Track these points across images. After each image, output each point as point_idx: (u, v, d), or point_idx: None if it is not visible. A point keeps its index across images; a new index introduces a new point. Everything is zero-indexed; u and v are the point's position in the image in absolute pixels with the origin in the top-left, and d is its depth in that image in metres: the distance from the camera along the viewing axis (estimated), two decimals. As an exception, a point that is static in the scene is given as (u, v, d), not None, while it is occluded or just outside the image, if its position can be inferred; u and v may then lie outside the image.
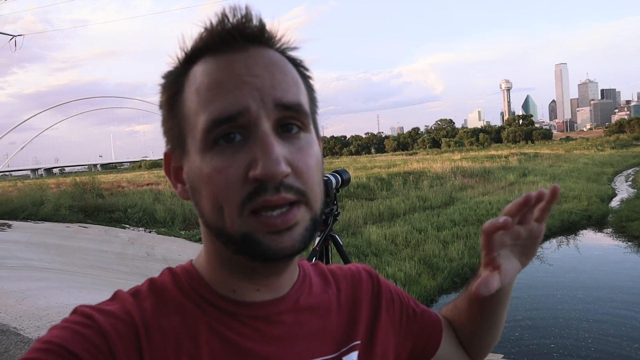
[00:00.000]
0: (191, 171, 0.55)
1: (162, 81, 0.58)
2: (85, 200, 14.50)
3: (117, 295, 0.62)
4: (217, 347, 0.58)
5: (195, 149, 0.54)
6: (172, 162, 0.61)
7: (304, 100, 0.57)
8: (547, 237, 14.35)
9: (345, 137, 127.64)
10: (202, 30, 0.55)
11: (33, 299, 5.41)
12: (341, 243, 2.34)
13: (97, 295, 6.00)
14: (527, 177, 24.84)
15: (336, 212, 2.31)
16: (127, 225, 13.10)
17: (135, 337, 0.56)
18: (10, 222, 12.12)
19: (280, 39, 0.57)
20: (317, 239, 2.25)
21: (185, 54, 0.57)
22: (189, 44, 0.56)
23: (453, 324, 0.85)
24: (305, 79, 0.60)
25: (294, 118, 0.55)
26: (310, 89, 0.60)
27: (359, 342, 0.68)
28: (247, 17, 0.54)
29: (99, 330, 0.55)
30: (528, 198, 0.64)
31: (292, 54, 0.59)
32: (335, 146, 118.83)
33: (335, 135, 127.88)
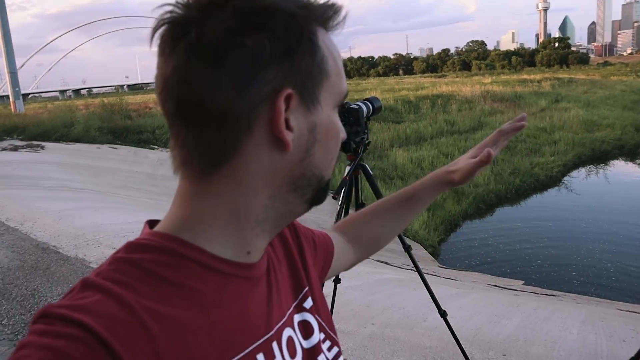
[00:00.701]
0: (323, 123, 0.57)
1: (281, 25, 0.51)
2: (114, 122, 14.68)
3: (91, 284, 0.47)
4: (228, 317, 0.53)
5: (330, 106, 0.59)
6: (285, 103, 0.52)
7: None
8: (576, 166, 14.15)
9: (373, 57, 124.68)
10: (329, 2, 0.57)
11: (69, 218, 5.62)
12: (371, 173, 2.32)
13: (130, 215, 6.20)
14: (560, 104, 24.17)
15: (367, 141, 2.29)
16: (156, 146, 13.31)
17: (146, 340, 0.45)
18: (43, 144, 12.42)
19: None
20: (347, 168, 2.24)
21: (306, 14, 0.53)
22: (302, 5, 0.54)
23: (360, 218, 0.98)
24: None
25: None
26: None
27: (307, 288, 0.71)
28: (345, 14, 0.59)
29: (97, 344, 0.42)
30: (523, 120, 0.92)
31: None
32: (363, 67, 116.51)
33: (362, 56, 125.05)
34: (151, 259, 0.50)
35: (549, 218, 10.21)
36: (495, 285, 5.87)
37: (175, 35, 0.50)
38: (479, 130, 17.58)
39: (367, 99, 2.23)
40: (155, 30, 0.51)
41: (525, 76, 46.19)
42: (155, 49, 0.52)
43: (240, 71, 0.49)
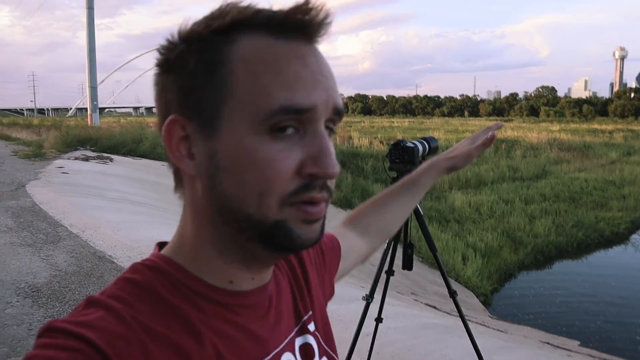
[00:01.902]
0: (228, 151, 0.50)
1: (184, 41, 0.53)
2: (180, 141, 15.19)
3: (95, 302, 0.50)
4: (220, 344, 0.53)
5: (243, 130, 0.50)
6: (182, 130, 0.53)
7: None
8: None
9: (438, 97, 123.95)
10: (250, 3, 0.52)
11: (127, 230, 5.82)
12: (422, 213, 2.29)
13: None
14: (632, 157, 23.06)
15: (420, 182, 2.27)
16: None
17: (143, 354, 0.47)
18: (112, 156, 13.03)
19: (325, 36, 0.55)
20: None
21: (232, 20, 0.51)
22: (235, 12, 0.52)
23: (367, 209, 0.98)
24: None
25: (336, 123, 0.56)
26: None
27: (310, 312, 0.70)
28: (321, 7, 0.52)
29: (96, 356, 0.44)
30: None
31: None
32: (428, 106, 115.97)
33: (428, 95, 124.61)
34: (150, 281, 0.53)
35: (613, 275, 9.65)
36: (548, 343, 5.57)
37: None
38: (543, 178, 17.01)
39: (424, 138, 2.22)
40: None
41: (596, 126, 44.61)
42: None
43: (157, 106, 0.56)
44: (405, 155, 2.13)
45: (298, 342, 0.65)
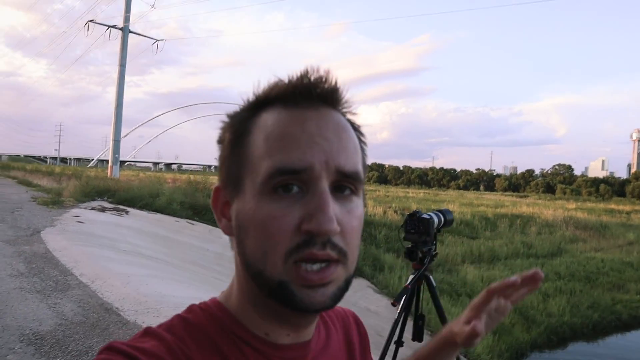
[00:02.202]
0: (243, 211, 0.57)
1: (227, 119, 0.62)
2: (196, 199, 15.33)
3: (150, 332, 0.58)
4: None
5: (252, 191, 0.56)
6: (222, 197, 0.62)
7: (361, 167, 0.60)
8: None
9: (454, 170, 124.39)
10: (278, 80, 0.59)
11: (136, 284, 5.80)
12: (434, 284, 2.27)
13: (193, 290, 6.31)
14: (650, 239, 22.65)
15: (434, 252, 2.26)
16: (230, 228, 13.64)
17: None
18: (128, 209, 13.14)
19: (346, 102, 0.61)
20: (411, 277, 2.21)
21: (257, 98, 0.60)
22: (261, 91, 0.60)
23: None
24: (362, 143, 0.63)
25: (350, 183, 0.58)
26: (364, 154, 0.63)
27: None
28: (326, 77, 0.57)
29: None
30: (516, 282, 0.69)
31: (353, 118, 0.62)
32: (444, 178, 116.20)
33: (444, 167, 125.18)
34: (203, 320, 0.60)
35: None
36: None
37: None
38: (558, 256, 16.71)
39: (440, 210, 2.24)
40: None
41: (613, 206, 44.10)
42: None
43: None
44: (421, 226, 2.15)
45: None
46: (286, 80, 0.58)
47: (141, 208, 13.88)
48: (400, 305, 2.31)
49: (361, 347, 0.78)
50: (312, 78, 0.57)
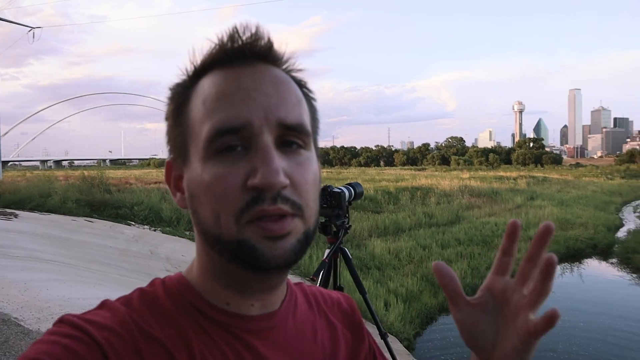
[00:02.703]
0: (192, 179, 0.56)
1: (169, 93, 0.61)
2: (93, 195, 14.54)
3: (106, 305, 0.58)
4: (210, 359, 0.57)
5: (197, 157, 0.55)
6: (173, 170, 0.62)
7: (306, 120, 0.59)
8: (551, 263, 14.21)
9: (355, 148, 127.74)
10: (212, 45, 0.57)
11: (35, 290, 5.41)
12: (350, 257, 2.33)
13: (99, 290, 6.01)
14: (535, 201, 24.70)
15: (347, 225, 2.31)
16: (133, 223, 13.12)
17: (134, 351, 0.53)
18: (17, 212, 12.18)
19: (286, 60, 0.60)
20: (327, 251, 2.24)
21: (195, 67, 0.59)
22: (198, 58, 0.59)
23: None
24: (309, 99, 0.62)
25: (295, 136, 0.57)
26: (312, 109, 0.62)
27: None
28: (258, 35, 0.56)
29: (95, 346, 0.51)
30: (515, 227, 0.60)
31: (297, 75, 0.61)
32: (345, 156, 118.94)
33: (345, 146, 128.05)
34: (159, 294, 0.60)
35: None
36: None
37: None
38: (457, 223, 17.77)
39: (350, 184, 2.28)
40: None
41: (501, 173, 47.56)
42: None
43: None
44: (333, 200, 2.18)
45: None
46: (217, 43, 0.57)
47: (32, 210, 12.92)
48: (319, 280, 2.34)
49: (354, 332, 0.74)
50: (244, 38, 0.56)
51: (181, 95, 0.59)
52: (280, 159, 0.54)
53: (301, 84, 0.61)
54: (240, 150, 0.54)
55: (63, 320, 0.54)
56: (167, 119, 0.61)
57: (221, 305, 0.60)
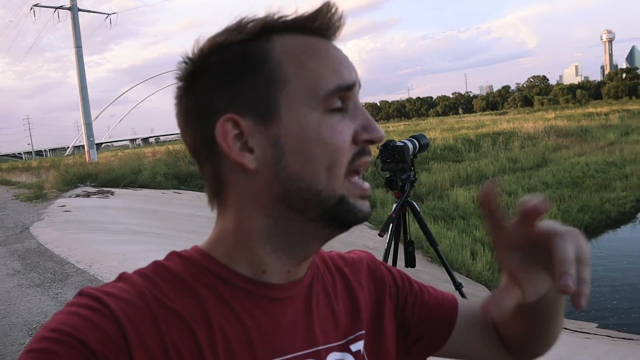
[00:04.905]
0: (295, 132, 0.55)
1: (209, 50, 0.58)
2: (179, 168, 15.21)
3: (124, 277, 0.58)
4: (231, 331, 0.56)
5: (306, 110, 0.55)
6: (235, 129, 0.56)
7: None
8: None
9: (431, 97, 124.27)
10: (284, 10, 0.58)
11: (134, 260, 5.82)
12: (418, 210, 2.30)
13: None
14: (630, 136, 23.07)
15: (413, 179, 2.27)
16: (218, 191, 13.63)
17: (152, 322, 0.53)
18: (113, 190, 13.05)
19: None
20: (394, 206, 2.23)
21: (266, 22, 0.57)
22: (271, 16, 0.58)
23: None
24: None
25: None
26: None
27: (363, 331, 0.68)
28: (340, 13, 0.59)
29: (112, 317, 0.51)
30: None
31: None
32: (422, 107, 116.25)
33: (421, 97, 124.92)
34: (177, 266, 0.59)
35: (624, 256, 9.60)
36: (566, 328, 5.54)
37: (175, 92, 0.62)
38: (544, 166, 16.99)
39: (414, 136, 2.23)
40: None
41: (591, 109, 44.61)
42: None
43: (196, 113, 0.59)
44: (396, 155, 2.15)
45: (333, 356, 0.64)
46: (307, 11, 0.58)
47: (125, 187, 13.79)
48: (388, 234, 2.34)
49: (377, 288, 0.73)
50: (328, 11, 0.58)
51: (254, 50, 0.57)
52: None
53: None
54: (340, 107, 0.57)
55: (82, 293, 0.55)
56: (227, 74, 0.56)
57: (251, 275, 0.60)
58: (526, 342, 0.72)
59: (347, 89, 0.57)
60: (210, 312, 0.56)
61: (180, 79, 0.60)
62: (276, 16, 0.57)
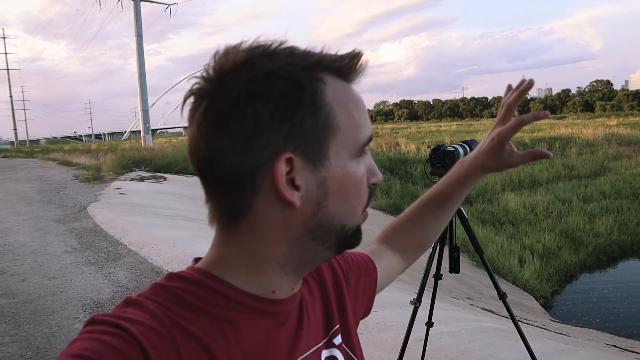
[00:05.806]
0: (335, 177, 0.58)
1: (287, 81, 0.56)
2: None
3: (132, 301, 0.56)
4: (247, 346, 0.58)
5: (345, 157, 0.59)
6: (286, 166, 0.55)
7: None
8: None
9: (486, 98, 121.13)
10: (329, 51, 0.59)
11: (182, 246, 6.00)
12: (466, 216, 2.28)
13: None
14: (699, 148, 21.85)
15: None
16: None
17: (172, 346, 0.53)
18: (166, 175, 13.45)
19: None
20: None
21: (314, 61, 0.57)
22: (315, 55, 0.59)
23: (402, 226, 0.99)
24: None
25: None
26: None
27: (338, 325, 0.73)
28: (366, 66, 0.62)
29: (133, 342, 0.50)
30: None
31: None
32: (476, 108, 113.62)
33: (475, 97, 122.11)
34: (183, 288, 0.58)
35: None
36: (615, 346, 5.33)
37: (193, 106, 0.58)
38: (602, 175, 16.35)
39: (465, 141, 2.20)
40: (185, 99, 0.59)
41: (658, 118, 42.44)
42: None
43: (241, 138, 0.54)
44: (446, 160, 2.13)
45: (325, 354, 0.69)
46: (343, 54, 0.60)
47: (178, 173, 14.19)
48: (435, 240, 2.33)
49: (335, 280, 0.79)
50: (360, 58, 0.61)
51: (311, 96, 0.56)
52: None
53: None
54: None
55: (95, 321, 0.53)
56: (297, 110, 0.55)
57: (259, 294, 0.61)
58: (423, 240, 0.99)
59: (370, 140, 0.63)
60: (226, 333, 0.57)
61: (217, 92, 0.56)
62: (329, 56, 0.58)
